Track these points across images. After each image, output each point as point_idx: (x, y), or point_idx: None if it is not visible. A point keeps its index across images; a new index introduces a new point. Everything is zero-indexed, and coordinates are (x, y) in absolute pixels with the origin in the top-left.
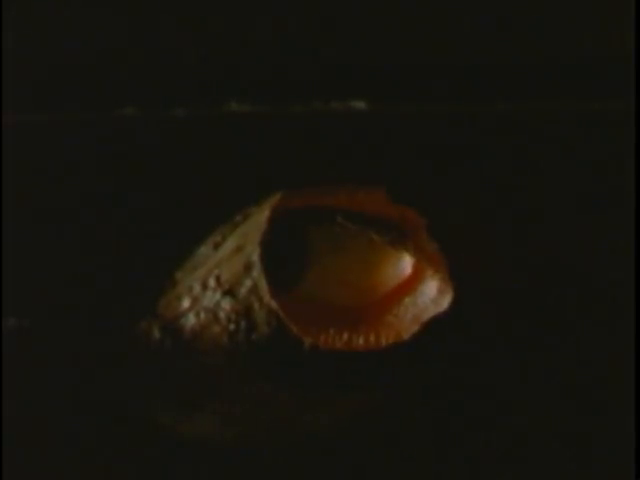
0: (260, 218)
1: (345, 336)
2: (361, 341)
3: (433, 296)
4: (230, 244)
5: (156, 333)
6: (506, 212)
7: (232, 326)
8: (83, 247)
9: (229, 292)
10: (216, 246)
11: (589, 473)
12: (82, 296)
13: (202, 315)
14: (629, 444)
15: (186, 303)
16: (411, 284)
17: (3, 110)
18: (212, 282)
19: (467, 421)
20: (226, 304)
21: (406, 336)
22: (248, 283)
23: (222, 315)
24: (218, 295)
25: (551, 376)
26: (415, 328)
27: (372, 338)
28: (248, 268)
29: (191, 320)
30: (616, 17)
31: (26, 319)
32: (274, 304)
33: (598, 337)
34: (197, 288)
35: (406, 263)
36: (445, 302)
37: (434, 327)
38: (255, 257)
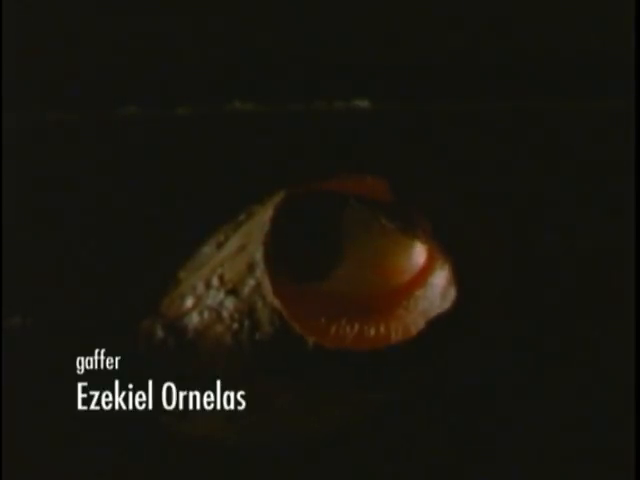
0: (263, 217)
1: (356, 327)
2: (372, 332)
3: (442, 289)
4: (233, 243)
5: (159, 332)
6: (506, 212)
7: (235, 325)
8: (84, 247)
9: (232, 291)
10: (219, 245)
11: (589, 473)
12: (84, 295)
13: (205, 314)
14: (629, 444)
15: (189, 302)
16: (422, 276)
17: (3, 110)
18: (215, 281)
19: (474, 421)
20: (229, 303)
21: (414, 331)
22: (251, 282)
23: (225, 314)
24: (221, 294)
25: (551, 376)
26: (422, 323)
27: (382, 329)
28: (251, 267)
29: (194, 319)
30: (616, 17)
31: (28, 318)
32: (277, 303)
33: (598, 337)
34: (200, 287)
35: (418, 253)
36: (453, 296)
37: (440, 325)
38: (258, 256)
